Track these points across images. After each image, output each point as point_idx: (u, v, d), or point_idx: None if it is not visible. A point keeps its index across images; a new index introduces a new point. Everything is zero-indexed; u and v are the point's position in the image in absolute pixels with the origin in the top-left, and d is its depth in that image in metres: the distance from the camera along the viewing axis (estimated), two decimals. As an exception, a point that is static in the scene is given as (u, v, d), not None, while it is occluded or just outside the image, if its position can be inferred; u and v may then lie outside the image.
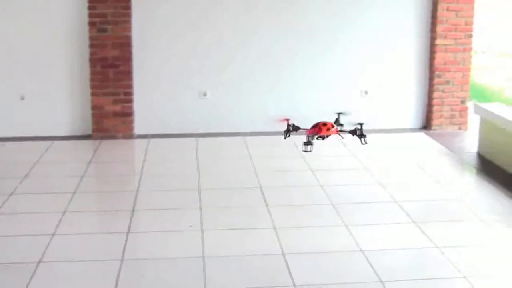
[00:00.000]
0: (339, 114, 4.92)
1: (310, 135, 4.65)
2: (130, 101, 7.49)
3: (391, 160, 6.84)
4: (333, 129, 4.65)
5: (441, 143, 7.41)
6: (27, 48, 7.40)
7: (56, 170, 6.43)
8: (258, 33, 7.67)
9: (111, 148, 7.23)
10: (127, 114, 7.51)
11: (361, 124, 4.70)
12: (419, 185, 6.05)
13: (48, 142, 7.26)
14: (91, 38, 7.30)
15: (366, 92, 7.90)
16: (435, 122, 7.97)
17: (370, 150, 7.07)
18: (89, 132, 7.57)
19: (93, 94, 7.43)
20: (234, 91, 7.73)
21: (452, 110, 7.97)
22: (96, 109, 7.46)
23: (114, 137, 7.50)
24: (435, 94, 7.90)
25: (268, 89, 7.77)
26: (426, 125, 8.04)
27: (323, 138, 4.69)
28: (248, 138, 7.51)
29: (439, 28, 7.76)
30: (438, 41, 7.79)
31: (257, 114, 7.75)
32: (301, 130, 4.71)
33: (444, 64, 7.86)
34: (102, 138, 7.47)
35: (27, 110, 7.52)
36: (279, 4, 7.65)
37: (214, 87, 7.70)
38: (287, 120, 4.71)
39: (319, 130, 4.65)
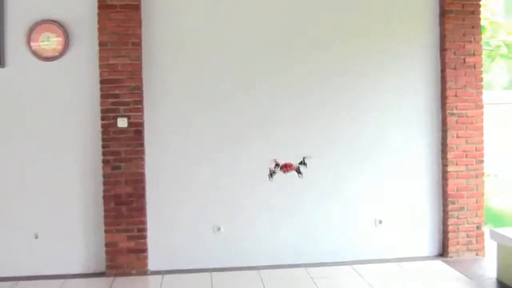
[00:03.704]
0: (304, 158, 7.40)
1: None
2: (144, 237, 7.48)
3: (410, 290, 6.71)
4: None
5: (459, 271, 7.29)
6: (42, 186, 7.48)
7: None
8: (269, 165, 7.73)
9: (125, 285, 7.14)
10: (141, 251, 7.47)
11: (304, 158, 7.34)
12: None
13: (61, 281, 7.20)
14: (104, 175, 7.40)
15: (380, 222, 7.88)
16: (451, 249, 7.88)
17: (387, 280, 7.00)
18: (103, 269, 7.51)
19: (106, 231, 7.43)
20: (248, 224, 7.72)
21: (468, 236, 7.90)
22: (110, 246, 7.44)
23: (128, 273, 7.43)
24: (450, 221, 7.86)
25: (282, 222, 7.75)
26: (443, 253, 7.95)
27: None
28: (263, 271, 7.41)
29: (450, 155, 7.84)
30: (449, 168, 7.84)
31: (271, 246, 7.71)
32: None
33: (457, 190, 7.87)
34: (116, 275, 7.41)
35: (40, 248, 7.50)
36: (293, 138, 7.76)
37: (227, 221, 7.70)
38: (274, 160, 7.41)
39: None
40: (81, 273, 7.51)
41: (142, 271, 7.48)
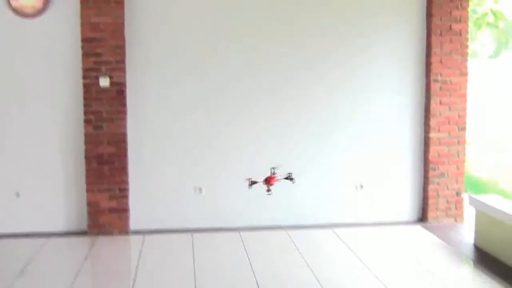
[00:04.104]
0: (273, 168, 7.50)
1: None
2: (126, 197, 7.49)
3: (387, 253, 6.78)
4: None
5: (437, 236, 7.37)
6: (23, 145, 7.46)
7: (51, 268, 6.37)
8: (254, 131, 7.75)
9: (107, 244, 7.17)
10: (123, 211, 7.49)
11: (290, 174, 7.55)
12: (416, 278, 5.98)
13: (43, 239, 7.21)
14: (86, 135, 7.38)
15: (361, 186, 7.93)
16: (431, 214, 7.95)
17: (366, 244, 7.08)
18: (84, 228, 7.54)
19: (88, 190, 7.44)
20: (229, 186, 7.75)
21: (447, 202, 7.97)
22: (92, 205, 7.45)
23: (110, 233, 7.45)
24: (430, 187, 7.92)
25: (264, 185, 7.78)
26: (422, 218, 8.03)
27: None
28: (244, 233, 7.45)
29: (433, 122, 7.86)
30: (431, 134, 7.88)
31: (252, 208, 7.75)
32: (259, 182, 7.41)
33: (439, 156, 7.91)
34: (97, 234, 7.43)
35: (22, 206, 7.51)
36: (273, 104, 7.77)
37: (209, 183, 7.72)
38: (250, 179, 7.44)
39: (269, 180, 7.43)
40: (62, 232, 7.53)
41: (124, 231, 7.50)
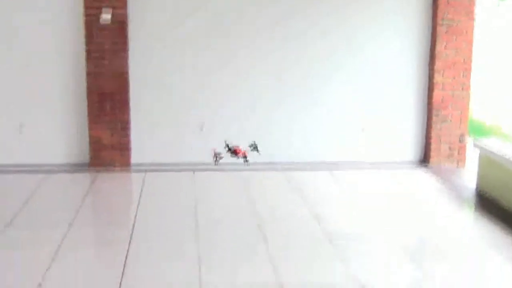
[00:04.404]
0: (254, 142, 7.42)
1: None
2: (127, 133, 7.47)
3: (388, 195, 6.79)
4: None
5: (439, 180, 7.38)
6: (26, 78, 7.41)
7: (52, 202, 6.40)
8: (257, 67, 7.68)
9: (108, 179, 7.18)
10: (124, 147, 7.48)
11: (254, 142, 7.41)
12: (416, 221, 5.99)
13: (45, 173, 7.22)
14: (88, 70, 7.31)
15: (363, 129, 7.89)
16: (433, 159, 7.93)
17: (367, 185, 7.09)
18: (86, 163, 7.54)
19: (90, 126, 7.42)
20: (231, 123, 7.72)
21: (450, 147, 7.95)
22: (94, 140, 7.44)
23: (111, 169, 7.46)
24: (433, 131, 7.88)
25: (265, 123, 7.76)
26: (424, 162, 8.01)
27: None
28: (244, 172, 7.46)
29: (438, 65, 7.77)
30: (436, 78, 7.80)
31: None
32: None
33: (442, 101, 7.85)
34: (99, 169, 7.43)
35: (25, 139, 7.50)
36: (276, 40, 7.67)
37: (211, 120, 7.68)
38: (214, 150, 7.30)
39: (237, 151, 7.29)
40: (65, 166, 7.54)
41: (125, 167, 7.51)
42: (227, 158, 7.51)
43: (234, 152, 7.25)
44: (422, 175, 7.61)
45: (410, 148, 8.04)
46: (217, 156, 7.20)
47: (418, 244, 5.36)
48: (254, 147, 7.31)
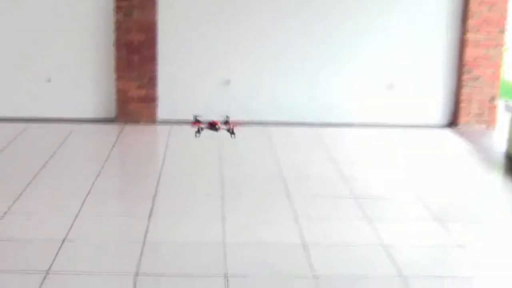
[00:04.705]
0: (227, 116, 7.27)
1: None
2: (154, 86, 7.46)
3: (416, 157, 6.72)
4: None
5: (467, 142, 7.27)
6: (54, 31, 7.40)
7: (79, 153, 6.45)
8: (283, 22, 7.58)
9: (134, 132, 7.21)
10: (151, 100, 7.48)
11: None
12: (444, 183, 5.92)
13: (73, 125, 7.27)
14: (116, 22, 7.27)
15: (391, 86, 7.76)
16: (462, 119, 7.80)
17: (394, 146, 7.02)
18: (113, 116, 7.56)
19: (117, 78, 7.41)
20: (257, 79, 7.66)
21: (480, 107, 7.80)
22: (121, 93, 7.44)
23: (137, 122, 7.47)
24: (464, 91, 7.73)
25: (291, 79, 7.68)
26: (453, 122, 7.88)
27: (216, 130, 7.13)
28: (271, 127, 7.43)
29: (471, 22, 7.59)
30: (469, 36, 7.62)
31: (279, 103, 7.68)
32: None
33: (475, 59, 7.69)
34: (125, 122, 7.45)
35: (52, 92, 7.53)
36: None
37: (237, 75, 7.63)
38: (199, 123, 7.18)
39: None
40: (91, 118, 7.57)
41: (151, 120, 7.52)
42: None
43: (212, 124, 7.16)
44: (450, 136, 7.51)
45: (439, 108, 7.92)
46: (199, 129, 7.09)
47: (445, 206, 5.29)
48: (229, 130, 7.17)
